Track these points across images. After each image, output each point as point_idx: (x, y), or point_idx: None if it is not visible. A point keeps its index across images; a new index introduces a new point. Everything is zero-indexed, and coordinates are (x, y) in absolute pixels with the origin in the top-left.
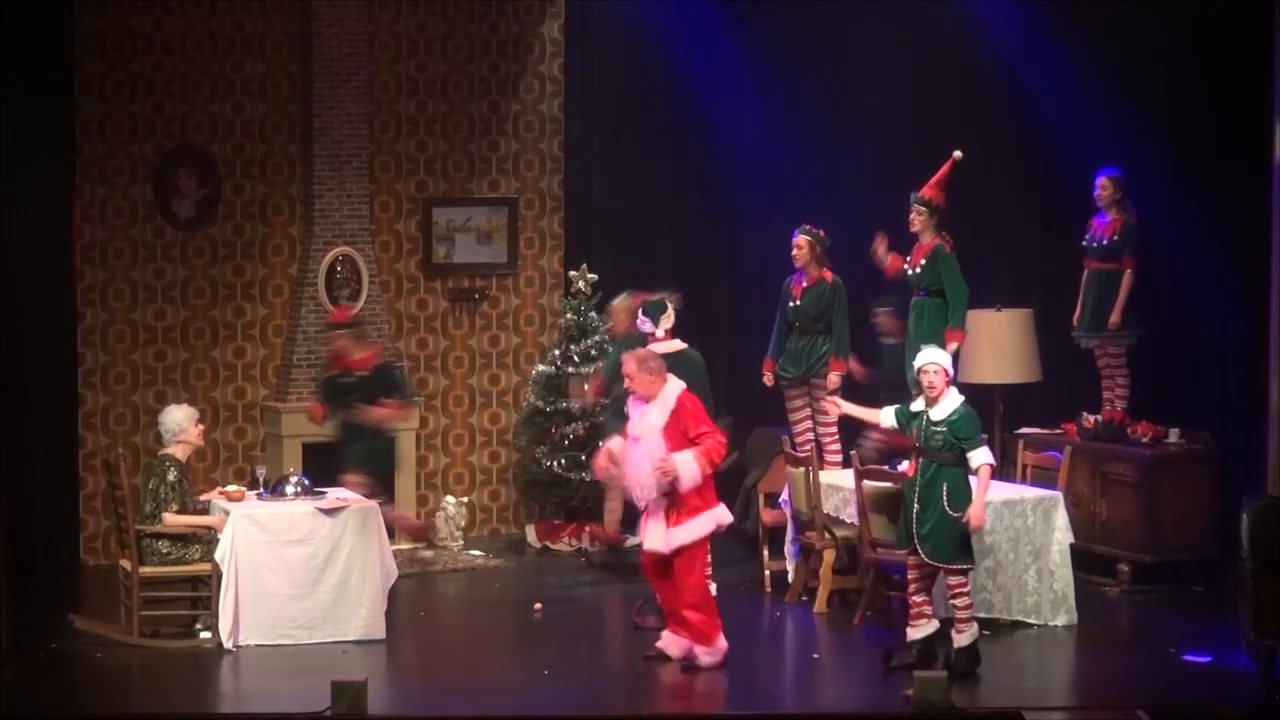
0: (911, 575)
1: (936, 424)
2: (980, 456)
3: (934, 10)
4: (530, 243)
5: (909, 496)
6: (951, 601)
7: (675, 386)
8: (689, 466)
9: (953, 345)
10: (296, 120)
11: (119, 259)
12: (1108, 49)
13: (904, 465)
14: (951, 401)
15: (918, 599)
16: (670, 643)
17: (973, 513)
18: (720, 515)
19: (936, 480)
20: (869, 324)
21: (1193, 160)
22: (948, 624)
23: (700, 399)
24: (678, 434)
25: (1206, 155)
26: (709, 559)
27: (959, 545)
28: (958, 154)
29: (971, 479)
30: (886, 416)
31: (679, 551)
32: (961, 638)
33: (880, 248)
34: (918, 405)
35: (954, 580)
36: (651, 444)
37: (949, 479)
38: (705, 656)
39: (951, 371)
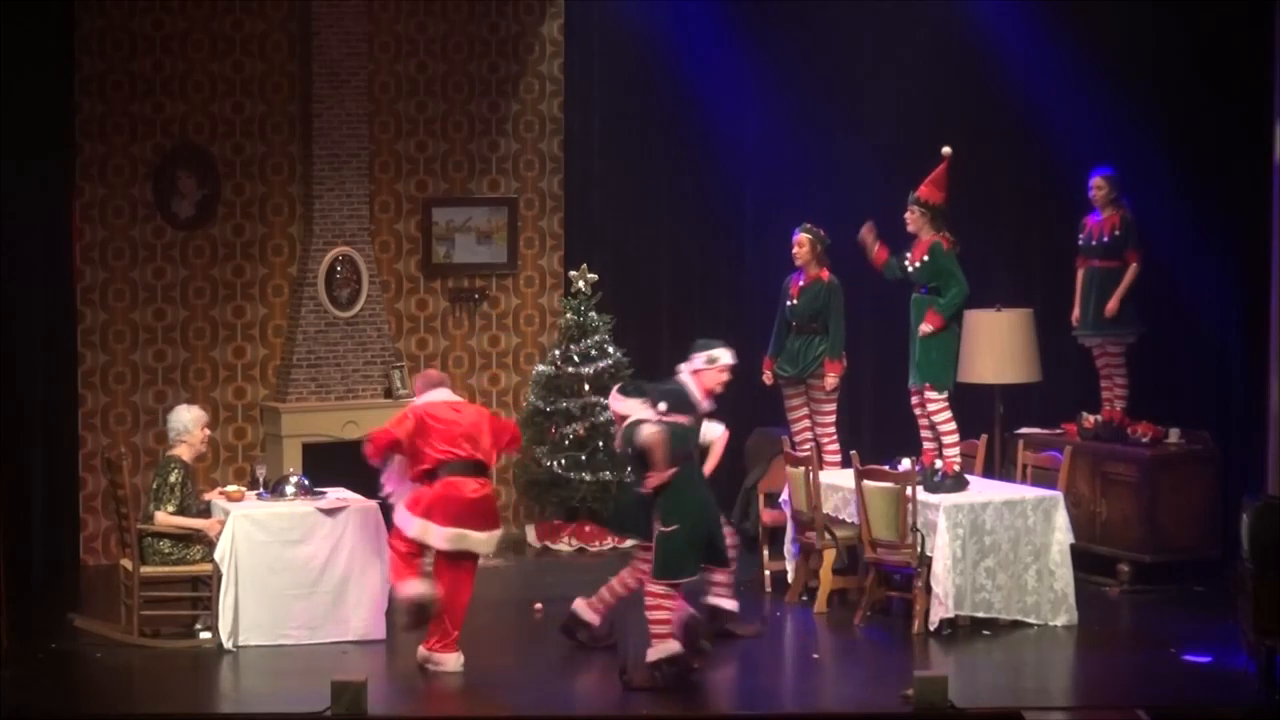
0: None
1: None
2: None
3: (934, 10)
4: (530, 243)
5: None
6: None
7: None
8: None
9: (925, 328)
10: (296, 120)
11: (119, 259)
12: (1107, 49)
13: (905, 464)
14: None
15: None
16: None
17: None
18: (398, 519)
19: None
20: (867, 324)
21: (1193, 160)
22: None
23: None
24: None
25: (1206, 155)
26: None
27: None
28: (946, 150)
29: None
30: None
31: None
32: (653, 651)
33: (869, 235)
34: None
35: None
36: None
37: None
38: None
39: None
